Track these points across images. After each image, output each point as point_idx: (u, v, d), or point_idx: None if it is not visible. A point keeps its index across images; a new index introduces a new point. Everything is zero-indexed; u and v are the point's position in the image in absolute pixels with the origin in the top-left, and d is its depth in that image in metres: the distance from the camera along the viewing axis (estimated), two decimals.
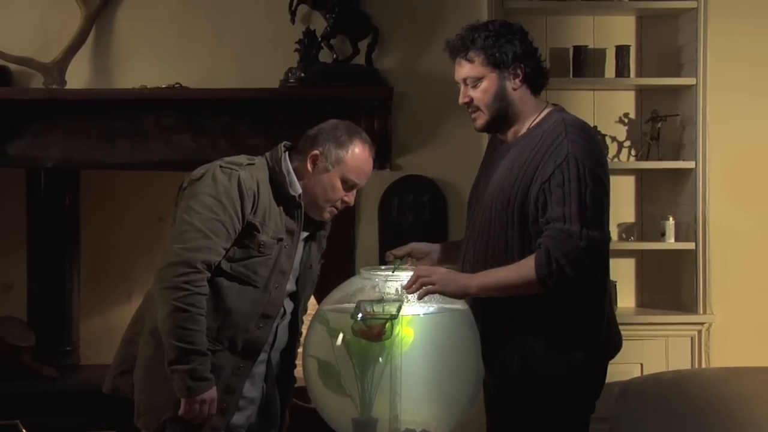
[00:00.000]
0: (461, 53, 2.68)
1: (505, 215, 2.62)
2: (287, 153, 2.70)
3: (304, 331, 2.79)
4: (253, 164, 2.66)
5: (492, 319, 2.66)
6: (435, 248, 2.93)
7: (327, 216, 2.74)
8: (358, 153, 2.67)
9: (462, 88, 2.72)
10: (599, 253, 2.53)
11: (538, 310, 2.61)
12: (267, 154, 2.72)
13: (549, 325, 2.61)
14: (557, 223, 2.50)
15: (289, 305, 2.76)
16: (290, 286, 2.74)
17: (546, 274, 2.48)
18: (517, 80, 2.66)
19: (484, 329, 2.65)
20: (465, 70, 2.68)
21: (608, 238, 2.62)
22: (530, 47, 2.69)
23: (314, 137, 2.69)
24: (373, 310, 2.52)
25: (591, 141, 2.63)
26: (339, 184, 2.68)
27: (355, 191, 2.73)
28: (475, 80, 2.67)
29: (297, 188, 2.67)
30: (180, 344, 2.51)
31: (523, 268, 2.53)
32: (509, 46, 2.64)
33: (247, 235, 2.60)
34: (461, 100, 2.72)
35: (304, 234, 2.73)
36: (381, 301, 2.56)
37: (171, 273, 2.52)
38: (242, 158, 2.68)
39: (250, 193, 2.59)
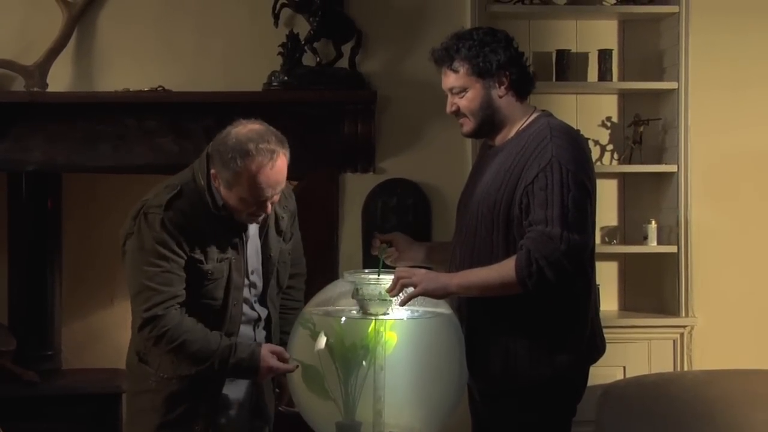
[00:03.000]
0: (446, 63, 2.69)
1: (490, 219, 2.62)
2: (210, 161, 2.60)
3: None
4: (176, 192, 2.59)
5: (476, 322, 2.67)
6: (418, 246, 2.95)
7: (250, 222, 2.65)
8: (250, 180, 2.50)
9: (449, 96, 2.73)
10: (579, 257, 2.54)
11: (521, 314, 2.61)
12: (195, 163, 2.66)
13: (532, 328, 2.62)
14: (539, 225, 2.51)
15: (263, 312, 2.76)
16: (256, 289, 2.75)
17: (526, 275, 2.49)
18: (502, 88, 2.68)
19: (468, 332, 2.66)
20: (450, 80, 2.70)
21: (592, 242, 2.63)
22: (515, 54, 2.70)
23: (211, 154, 2.58)
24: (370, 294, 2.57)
25: (576, 146, 2.64)
26: (240, 204, 2.56)
27: (267, 203, 2.57)
28: (460, 90, 2.69)
29: (219, 202, 2.61)
30: (207, 362, 2.57)
31: (504, 269, 2.53)
32: (493, 55, 2.65)
33: (193, 269, 2.60)
34: (448, 109, 2.74)
35: (251, 234, 2.71)
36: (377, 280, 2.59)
37: (145, 334, 2.59)
38: (163, 195, 2.59)
39: (181, 230, 2.57)
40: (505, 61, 2.66)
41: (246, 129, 2.55)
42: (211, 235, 2.61)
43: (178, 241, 2.56)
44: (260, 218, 2.64)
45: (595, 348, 2.72)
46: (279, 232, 2.78)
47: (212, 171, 2.58)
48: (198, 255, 2.59)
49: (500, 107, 2.69)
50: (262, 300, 2.77)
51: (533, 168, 2.56)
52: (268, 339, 2.77)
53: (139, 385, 2.70)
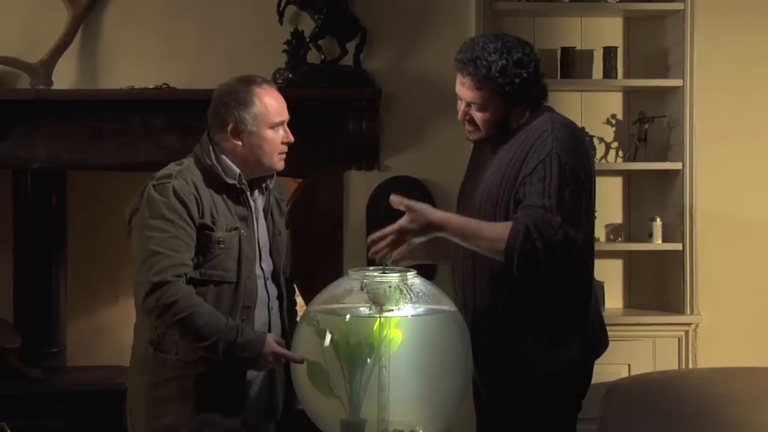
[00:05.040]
0: (469, 74, 2.61)
1: (493, 214, 2.62)
2: (211, 141, 2.71)
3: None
4: (183, 166, 2.67)
5: (479, 319, 2.67)
6: (416, 244, 2.94)
7: (281, 164, 2.74)
8: (265, 98, 2.67)
9: (462, 104, 2.68)
10: (570, 251, 2.50)
11: (524, 310, 2.62)
12: (196, 148, 2.74)
13: (535, 325, 2.62)
14: (539, 208, 2.47)
15: (273, 290, 2.76)
16: (267, 265, 2.76)
17: (518, 249, 2.44)
18: (521, 104, 2.65)
19: (472, 329, 2.66)
20: (471, 94, 2.63)
21: (585, 238, 2.60)
22: (536, 68, 2.64)
23: (219, 113, 2.68)
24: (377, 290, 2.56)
25: (576, 140, 2.63)
26: (271, 134, 2.68)
27: (286, 127, 2.73)
28: (480, 106, 2.64)
29: (234, 173, 2.67)
30: (212, 339, 2.54)
31: (497, 231, 2.49)
32: (519, 79, 2.60)
33: (203, 237, 2.61)
34: (461, 116, 2.69)
35: (259, 211, 2.75)
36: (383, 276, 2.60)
37: (152, 302, 2.55)
38: (171, 167, 2.68)
39: (191, 197, 2.60)
40: (530, 81, 2.61)
41: (231, 78, 2.74)
42: (220, 206, 2.65)
43: (187, 208, 2.58)
44: (285, 153, 2.73)
45: (598, 342, 2.73)
46: (281, 212, 2.85)
47: (230, 125, 2.65)
48: (208, 221, 2.61)
49: (512, 118, 2.67)
50: (275, 278, 2.79)
51: (533, 159, 2.55)
52: (282, 320, 2.79)
53: (159, 376, 2.65)
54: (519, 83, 2.60)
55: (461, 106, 2.69)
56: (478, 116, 2.66)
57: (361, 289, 2.59)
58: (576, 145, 2.61)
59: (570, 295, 2.63)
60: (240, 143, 2.67)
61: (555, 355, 2.62)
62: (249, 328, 2.62)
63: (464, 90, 2.66)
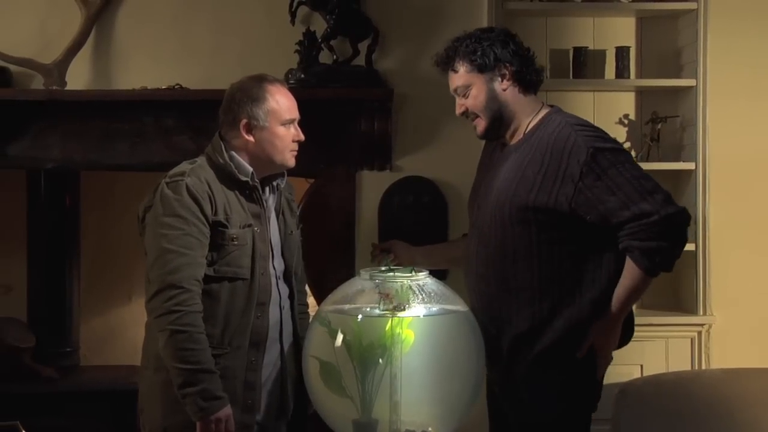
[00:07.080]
0: (448, 65, 2.74)
1: (523, 217, 2.63)
2: (223, 140, 2.74)
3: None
4: (196, 165, 2.69)
5: (497, 318, 2.67)
6: (415, 250, 3.01)
7: (293, 161, 2.77)
8: (277, 95, 2.72)
9: (457, 99, 2.76)
10: (675, 207, 2.59)
11: (541, 307, 2.62)
12: (208, 148, 2.76)
13: (553, 321, 2.63)
14: (624, 215, 2.54)
15: (284, 289, 2.77)
16: (278, 264, 2.76)
17: (656, 267, 2.58)
18: (504, 80, 2.71)
19: (486, 328, 2.66)
20: (454, 81, 2.74)
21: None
22: (515, 48, 2.72)
23: (231, 110, 2.71)
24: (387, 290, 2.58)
25: (597, 129, 2.71)
26: (283, 131, 2.71)
27: (297, 126, 2.77)
28: (464, 89, 2.73)
29: (246, 170, 2.69)
30: (185, 366, 2.52)
31: (633, 275, 2.60)
32: (490, 49, 2.69)
33: (217, 234, 2.62)
34: (457, 111, 2.78)
35: (271, 210, 2.77)
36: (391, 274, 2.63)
37: (160, 300, 2.54)
38: (184, 165, 2.70)
39: (204, 194, 2.61)
40: (504, 54, 2.69)
41: (243, 77, 2.78)
42: (234, 203, 2.67)
43: (200, 205, 2.59)
44: (296, 151, 2.76)
45: (629, 332, 2.76)
46: (292, 212, 2.87)
47: (243, 120, 2.67)
48: (222, 218, 2.62)
49: (506, 101, 2.71)
50: (286, 277, 2.79)
51: (573, 165, 2.58)
52: (293, 319, 2.80)
53: None
54: (488, 51, 2.68)
55: (456, 103, 2.77)
56: (469, 103, 2.73)
57: (375, 287, 2.60)
58: (599, 131, 2.70)
59: (592, 292, 2.64)
60: (252, 139, 2.69)
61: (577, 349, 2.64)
62: (221, 383, 2.56)
63: (450, 82, 2.76)
